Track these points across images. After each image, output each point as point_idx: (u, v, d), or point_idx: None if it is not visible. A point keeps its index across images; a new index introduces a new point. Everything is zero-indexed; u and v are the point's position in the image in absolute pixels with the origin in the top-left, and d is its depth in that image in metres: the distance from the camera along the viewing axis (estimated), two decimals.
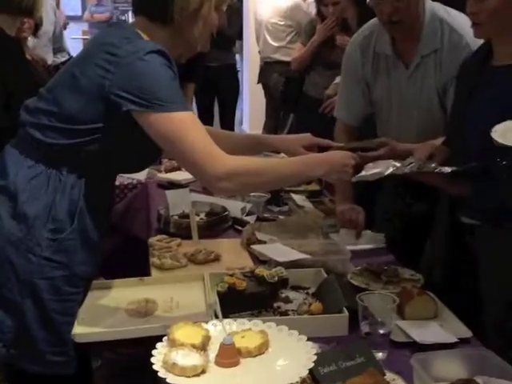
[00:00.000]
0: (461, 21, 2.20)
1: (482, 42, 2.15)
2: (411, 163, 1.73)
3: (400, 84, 2.28)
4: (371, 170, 1.71)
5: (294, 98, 4.20)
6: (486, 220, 1.74)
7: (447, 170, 1.70)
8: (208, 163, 1.50)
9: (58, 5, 5.21)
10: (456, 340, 1.55)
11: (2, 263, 1.56)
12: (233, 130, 5.83)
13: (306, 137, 1.88)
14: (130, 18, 11.40)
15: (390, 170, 1.71)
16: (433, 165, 1.73)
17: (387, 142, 2.11)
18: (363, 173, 1.71)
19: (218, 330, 1.45)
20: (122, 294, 1.76)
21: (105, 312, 1.68)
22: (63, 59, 3.84)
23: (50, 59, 3.74)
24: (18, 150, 1.63)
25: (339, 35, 3.76)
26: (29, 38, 3.25)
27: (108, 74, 1.51)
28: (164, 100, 1.49)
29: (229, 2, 1.68)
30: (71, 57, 4.28)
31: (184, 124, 1.51)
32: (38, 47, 3.42)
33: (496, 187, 1.68)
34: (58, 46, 3.99)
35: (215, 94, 5.55)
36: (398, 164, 1.73)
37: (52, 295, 1.57)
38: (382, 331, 1.50)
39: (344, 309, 1.62)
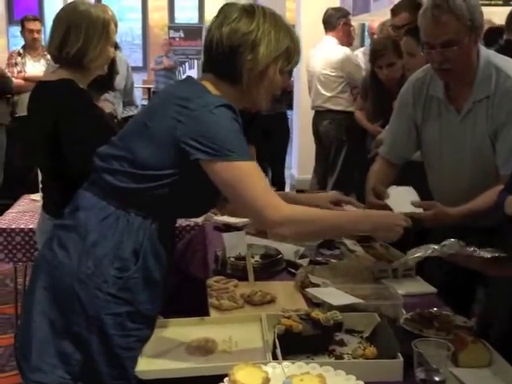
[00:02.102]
0: None
1: None
2: (448, 245, 1.81)
3: (451, 128, 2.31)
4: (413, 254, 1.85)
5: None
6: None
7: (486, 255, 1.75)
8: (267, 211, 1.61)
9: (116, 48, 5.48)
10: None
11: (72, 300, 1.63)
12: (283, 174, 5.98)
13: (333, 194, 2.09)
14: (187, 68, 12.03)
15: (429, 251, 1.81)
16: (471, 249, 1.78)
17: (433, 205, 2.16)
18: (406, 257, 1.89)
19: (277, 372, 1.50)
20: (183, 332, 1.83)
21: (167, 350, 1.74)
22: (131, 113, 4.04)
23: (120, 111, 3.94)
24: (90, 193, 1.73)
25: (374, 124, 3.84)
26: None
27: (179, 125, 1.61)
28: (230, 150, 1.59)
29: (292, 66, 1.77)
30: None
31: (247, 173, 1.62)
32: (109, 98, 3.63)
33: None
34: (128, 100, 4.21)
35: (267, 140, 5.72)
36: (436, 247, 1.82)
37: (117, 331, 1.64)
38: (437, 378, 1.52)
39: (399, 354, 1.64)
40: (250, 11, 1.69)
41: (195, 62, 11.88)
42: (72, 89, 2.31)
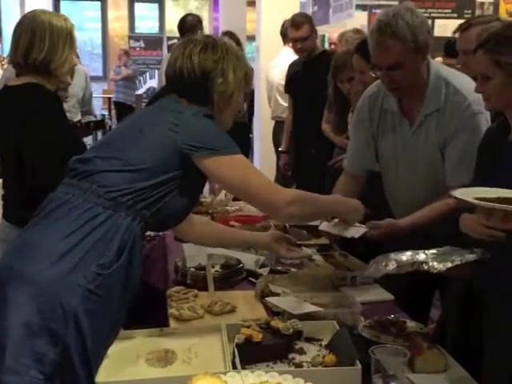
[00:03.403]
0: (465, 82, 2.29)
1: (482, 108, 2.22)
2: (406, 265, 1.88)
3: (405, 141, 2.36)
4: (375, 266, 1.94)
5: None
6: (498, 292, 1.76)
7: (442, 268, 1.80)
8: (274, 194, 1.80)
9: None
10: None
11: (49, 295, 1.60)
12: None
13: (277, 233, 2.29)
14: (148, 77, 11.93)
15: (390, 268, 1.88)
16: (429, 265, 1.83)
17: (379, 226, 2.25)
18: (369, 267, 1.97)
19: (236, 381, 1.51)
20: (142, 343, 1.82)
21: (126, 361, 1.73)
22: (92, 119, 4.07)
23: (77, 119, 3.95)
24: (71, 196, 1.70)
25: (339, 136, 3.88)
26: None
27: (177, 129, 1.72)
28: (226, 146, 1.76)
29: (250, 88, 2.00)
30: (100, 118, 4.56)
31: (247, 164, 1.81)
32: (67, 108, 3.63)
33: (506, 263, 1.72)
34: (86, 109, 4.26)
35: None
36: (398, 257, 1.90)
37: (91, 331, 1.61)
38: None
39: (357, 361, 1.66)
40: (212, 43, 1.85)
41: (156, 71, 11.83)
42: (41, 92, 2.31)
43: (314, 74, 4.34)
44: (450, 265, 1.78)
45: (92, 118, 4.23)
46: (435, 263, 1.80)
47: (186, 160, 1.71)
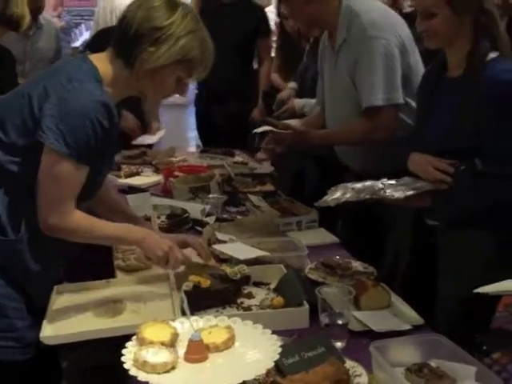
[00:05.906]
0: (375, 10, 2.35)
1: (383, 34, 2.25)
2: (364, 191, 1.86)
3: (330, 72, 2.50)
4: (332, 195, 1.89)
5: None
6: (449, 224, 1.80)
7: (401, 196, 1.81)
8: (50, 212, 1.57)
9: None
10: (409, 327, 1.64)
11: None
12: None
13: (182, 238, 1.92)
14: (84, 29, 11.45)
15: (347, 196, 1.86)
16: (387, 192, 1.84)
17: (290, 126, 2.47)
18: (325, 197, 1.89)
19: (186, 327, 1.50)
20: (89, 296, 1.81)
21: (73, 314, 1.71)
22: None
23: None
24: None
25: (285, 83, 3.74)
26: (27, 63, 3.50)
27: (48, 98, 1.55)
28: (75, 147, 1.53)
29: (193, 80, 1.72)
30: None
31: (63, 174, 1.55)
32: (35, 70, 3.47)
33: (457, 194, 1.76)
34: None
35: None
36: (353, 186, 1.89)
37: None
38: (340, 322, 1.57)
39: (304, 302, 1.69)
40: (173, 5, 1.62)
41: (91, 23, 11.43)
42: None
43: (234, 18, 3.89)
44: (409, 193, 1.80)
45: None
46: (394, 192, 1.82)
47: (37, 134, 1.56)
